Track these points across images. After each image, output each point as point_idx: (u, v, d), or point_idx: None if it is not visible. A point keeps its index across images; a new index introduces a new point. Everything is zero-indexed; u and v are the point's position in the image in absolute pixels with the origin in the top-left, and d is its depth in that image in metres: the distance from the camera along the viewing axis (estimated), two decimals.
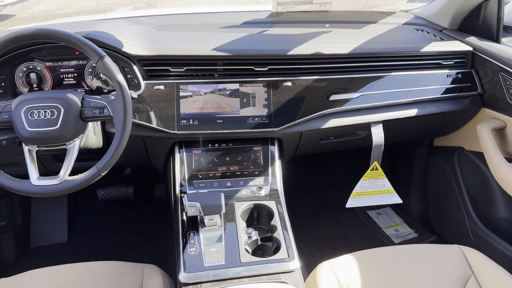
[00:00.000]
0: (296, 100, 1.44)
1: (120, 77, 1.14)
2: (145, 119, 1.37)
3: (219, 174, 1.46)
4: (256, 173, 1.47)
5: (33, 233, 2.14)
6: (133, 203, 2.20)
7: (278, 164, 1.51)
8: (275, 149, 1.50)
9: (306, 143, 1.60)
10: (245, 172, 1.47)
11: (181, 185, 1.42)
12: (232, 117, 1.43)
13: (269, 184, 1.52)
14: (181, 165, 1.44)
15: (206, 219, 1.24)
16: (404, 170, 2.19)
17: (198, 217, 1.28)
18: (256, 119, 1.43)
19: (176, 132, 1.37)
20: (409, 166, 2.14)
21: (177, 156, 1.44)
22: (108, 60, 1.14)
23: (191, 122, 1.40)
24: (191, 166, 1.45)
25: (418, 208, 2.18)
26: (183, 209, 1.27)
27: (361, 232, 2.18)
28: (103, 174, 1.14)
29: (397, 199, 1.62)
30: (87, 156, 1.29)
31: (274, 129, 1.43)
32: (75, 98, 1.15)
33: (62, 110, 1.12)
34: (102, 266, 1.21)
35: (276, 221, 1.30)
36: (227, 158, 1.47)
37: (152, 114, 1.37)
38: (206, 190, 1.41)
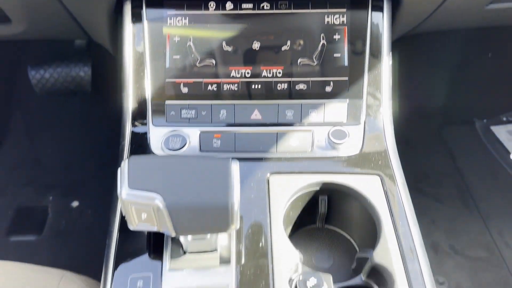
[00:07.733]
0: None
1: None
2: None
3: (232, 88, 0.66)
4: (328, 89, 0.66)
5: None
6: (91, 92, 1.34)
7: (386, 62, 0.67)
8: (382, 19, 0.67)
9: (453, 8, 0.73)
10: (301, 86, 0.66)
11: (135, 116, 0.65)
12: None
13: (361, 122, 0.64)
14: (136, 53, 0.66)
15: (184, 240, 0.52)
16: None
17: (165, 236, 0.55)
18: None
19: None
20: None
21: (128, 28, 0.68)
22: None
23: None
24: (163, 56, 0.67)
25: None
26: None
27: None
28: None
29: None
30: None
31: None
32: None
33: None
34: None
35: (386, 239, 0.53)
36: (256, 45, 0.66)
37: None
38: (191, 152, 0.62)
